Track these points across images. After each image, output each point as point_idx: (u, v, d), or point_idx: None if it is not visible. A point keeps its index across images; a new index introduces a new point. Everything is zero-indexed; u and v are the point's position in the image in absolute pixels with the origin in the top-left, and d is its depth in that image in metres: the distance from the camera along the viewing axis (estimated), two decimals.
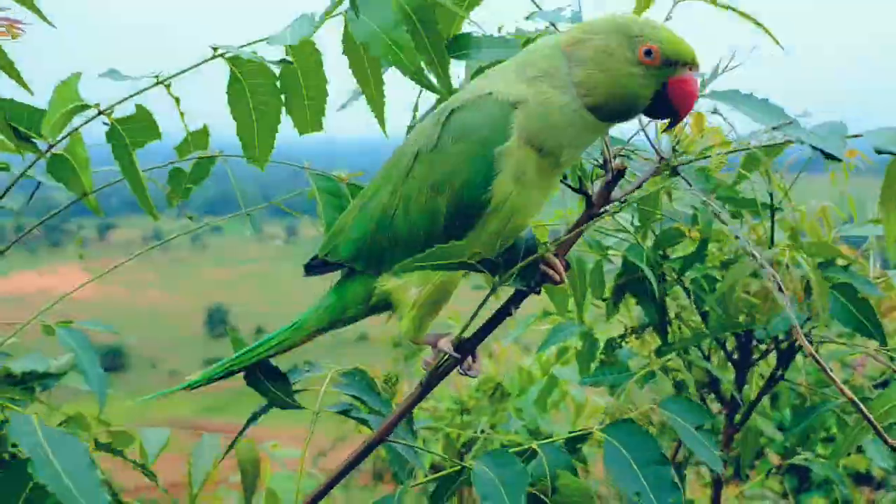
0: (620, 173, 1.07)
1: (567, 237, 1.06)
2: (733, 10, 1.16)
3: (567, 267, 1.05)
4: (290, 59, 0.96)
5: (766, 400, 1.77)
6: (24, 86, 0.88)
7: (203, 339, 29.25)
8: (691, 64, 0.96)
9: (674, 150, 1.13)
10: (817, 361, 1.07)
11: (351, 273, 1.11)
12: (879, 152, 1.07)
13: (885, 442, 1.04)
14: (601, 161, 1.09)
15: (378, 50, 0.98)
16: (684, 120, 1.03)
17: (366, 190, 1.09)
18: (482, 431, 2.24)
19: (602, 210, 1.07)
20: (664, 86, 0.95)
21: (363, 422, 1.14)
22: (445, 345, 1.03)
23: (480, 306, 0.99)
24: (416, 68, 1.01)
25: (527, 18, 1.18)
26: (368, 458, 1.16)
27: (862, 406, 1.03)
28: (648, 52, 0.93)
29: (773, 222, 1.46)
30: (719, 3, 1.15)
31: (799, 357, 1.57)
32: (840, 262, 1.44)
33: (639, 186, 1.10)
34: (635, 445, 0.99)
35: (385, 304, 1.09)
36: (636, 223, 1.51)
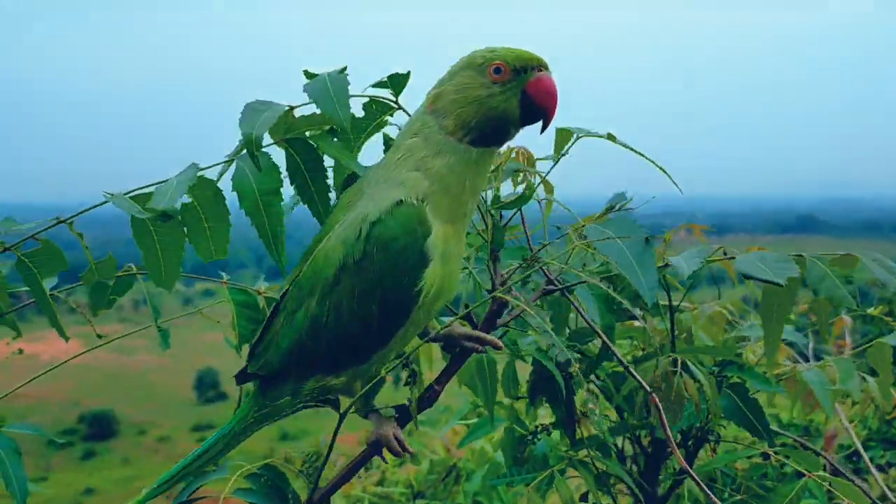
0: (503, 305, 1.16)
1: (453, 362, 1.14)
2: (632, 150, 1.25)
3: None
4: (168, 214, 1.02)
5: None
6: None
7: (193, 403, 28.94)
8: (540, 66, 1.07)
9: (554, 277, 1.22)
10: (688, 471, 1.14)
11: (278, 377, 1.17)
12: (747, 278, 1.17)
13: None
14: (490, 287, 1.18)
15: (249, 206, 1.07)
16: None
17: (287, 302, 1.14)
18: None
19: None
20: (524, 93, 1.06)
21: None
22: (389, 440, 1.11)
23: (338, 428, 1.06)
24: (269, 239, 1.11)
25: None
26: None
27: None
28: (497, 70, 1.05)
29: (672, 324, 1.53)
30: (618, 142, 1.25)
31: (703, 453, 1.63)
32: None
33: (518, 316, 1.19)
34: None
35: (316, 396, 1.17)
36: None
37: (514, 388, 1.60)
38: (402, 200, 1.04)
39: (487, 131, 1.06)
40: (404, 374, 1.14)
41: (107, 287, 1.37)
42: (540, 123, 1.10)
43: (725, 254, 1.37)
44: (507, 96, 1.05)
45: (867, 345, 1.64)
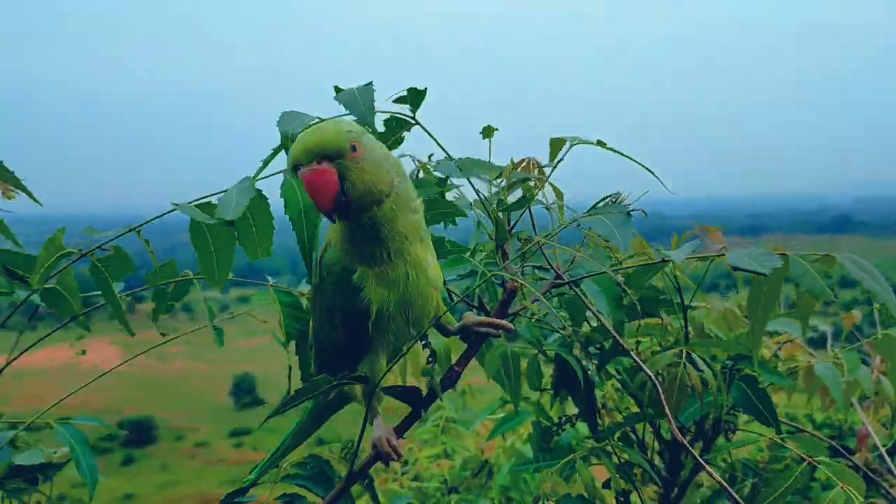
0: (513, 292, 1.27)
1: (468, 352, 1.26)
2: (621, 153, 1.36)
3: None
4: (231, 220, 1.15)
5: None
6: (15, 241, 1.08)
7: (230, 409, 29.34)
8: (299, 164, 1.10)
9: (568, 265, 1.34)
10: (694, 456, 1.24)
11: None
12: (735, 269, 1.28)
13: None
14: (501, 280, 1.30)
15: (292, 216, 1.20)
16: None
17: None
18: None
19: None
20: None
21: None
22: (381, 443, 1.22)
23: (369, 409, 1.18)
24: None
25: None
26: None
27: (735, 496, 1.21)
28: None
29: (685, 320, 1.63)
30: (608, 147, 1.37)
31: (721, 440, 1.73)
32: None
33: (533, 301, 1.31)
34: None
35: (343, 399, 1.36)
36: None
37: (538, 380, 1.71)
38: (330, 243, 1.22)
39: (329, 219, 1.14)
40: (425, 355, 1.26)
41: (166, 293, 1.50)
42: None
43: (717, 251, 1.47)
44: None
45: (874, 337, 1.73)
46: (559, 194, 1.49)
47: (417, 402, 1.23)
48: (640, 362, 1.27)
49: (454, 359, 1.29)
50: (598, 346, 1.73)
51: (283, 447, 1.38)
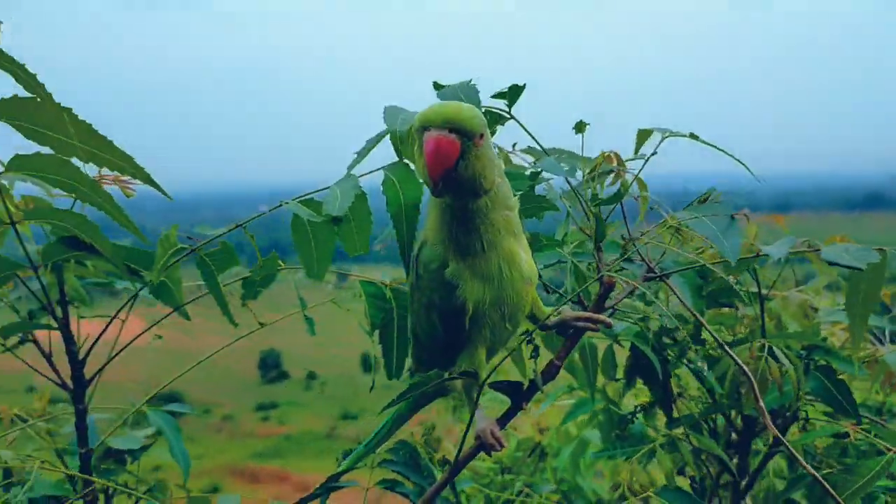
0: (611, 287, 1.30)
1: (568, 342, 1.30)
2: (712, 146, 1.38)
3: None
4: (339, 217, 1.19)
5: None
6: (136, 232, 1.12)
7: (256, 383, 29.69)
8: (428, 125, 1.09)
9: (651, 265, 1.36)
10: (787, 448, 1.27)
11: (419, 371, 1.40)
12: (832, 265, 1.29)
13: None
14: (597, 275, 1.33)
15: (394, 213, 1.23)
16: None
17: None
18: (519, 494, 2.43)
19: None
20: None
21: (406, 496, 1.36)
22: (485, 434, 1.24)
23: (476, 403, 1.21)
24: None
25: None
26: None
27: (828, 487, 1.23)
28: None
29: (762, 311, 1.65)
30: (702, 140, 1.38)
31: (794, 428, 1.75)
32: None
33: (628, 295, 1.33)
34: None
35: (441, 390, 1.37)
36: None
37: (612, 370, 1.74)
38: (426, 240, 1.23)
39: (430, 186, 1.14)
40: (529, 349, 1.28)
41: (255, 281, 1.55)
42: None
43: (810, 245, 1.49)
44: (419, 158, 1.13)
45: None
46: (643, 186, 1.50)
47: (519, 396, 1.27)
48: (733, 355, 1.29)
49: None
50: (671, 336, 1.76)
51: (380, 434, 1.42)
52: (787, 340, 1.59)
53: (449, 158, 1.08)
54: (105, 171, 1.04)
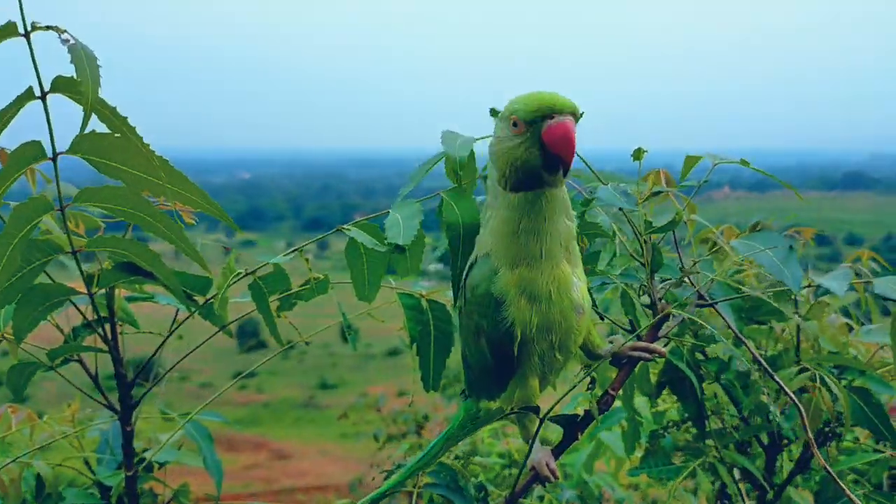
0: (666, 316, 1.29)
1: (623, 368, 1.29)
2: (766, 174, 1.37)
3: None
4: (402, 245, 1.17)
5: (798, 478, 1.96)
6: (204, 265, 1.10)
7: (234, 352, 29.65)
8: (552, 113, 1.12)
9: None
10: (829, 473, 1.28)
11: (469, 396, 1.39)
12: (886, 299, 1.29)
13: None
14: (650, 303, 1.32)
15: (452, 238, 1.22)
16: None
17: None
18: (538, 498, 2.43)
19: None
20: (542, 142, 1.13)
21: None
22: (541, 466, 1.24)
23: (535, 436, 1.21)
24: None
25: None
26: None
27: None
28: (514, 124, 1.14)
29: (798, 333, 1.66)
30: (753, 167, 1.37)
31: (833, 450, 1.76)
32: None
33: (680, 323, 1.33)
34: None
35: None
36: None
37: (647, 385, 1.74)
38: (476, 256, 1.23)
39: (521, 178, 1.15)
40: (586, 382, 1.28)
41: (292, 296, 1.52)
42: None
43: (859, 275, 1.49)
44: (526, 146, 1.13)
45: None
46: (693, 209, 1.49)
47: (574, 427, 1.26)
48: (784, 386, 1.29)
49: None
50: (700, 351, 1.76)
51: (429, 455, 1.40)
52: (827, 373, 1.59)
53: (575, 143, 1.12)
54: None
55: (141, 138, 0.88)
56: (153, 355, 1.32)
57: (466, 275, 1.24)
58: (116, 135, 0.88)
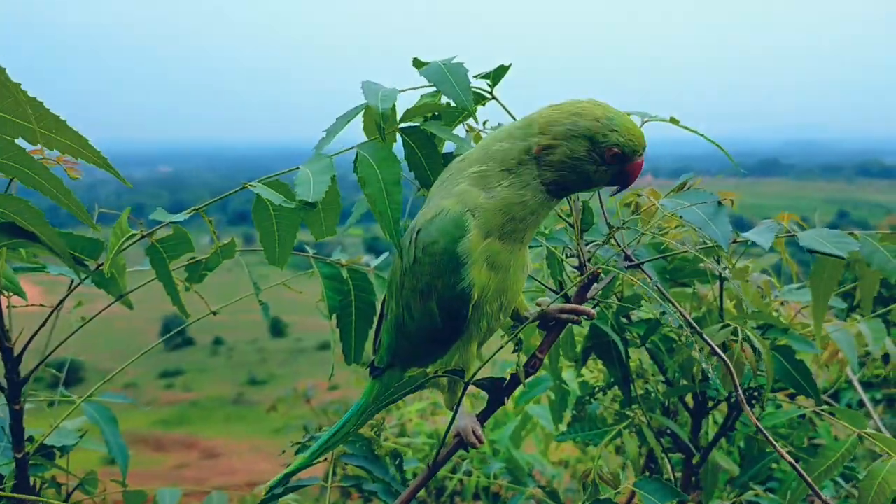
0: (595, 277, 1.25)
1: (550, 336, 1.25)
2: (696, 132, 1.34)
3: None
4: (313, 202, 1.08)
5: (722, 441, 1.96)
6: (88, 221, 1.00)
7: (159, 350, 28.90)
8: (644, 150, 1.14)
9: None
10: (760, 430, 1.26)
11: (389, 367, 1.30)
12: (812, 252, 1.28)
13: (821, 500, 1.22)
14: (577, 265, 1.28)
15: (372, 193, 1.14)
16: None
17: (386, 302, 1.28)
18: (466, 473, 2.40)
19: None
20: (623, 171, 1.14)
21: (373, 494, 1.29)
22: (466, 432, 1.21)
23: (459, 401, 1.17)
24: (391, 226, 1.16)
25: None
26: None
27: (799, 469, 1.23)
28: (614, 156, 1.11)
29: (721, 292, 1.65)
30: (682, 125, 1.34)
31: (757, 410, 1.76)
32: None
33: (608, 284, 1.29)
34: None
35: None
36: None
37: (571, 351, 1.71)
38: (445, 209, 1.12)
39: (575, 191, 1.17)
40: (512, 346, 1.22)
41: (200, 263, 1.43)
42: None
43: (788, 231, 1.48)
44: (609, 173, 1.13)
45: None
46: None
47: (500, 392, 1.21)
48: (710, 341, 1.26)
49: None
50: (625, 316, 1.74)
51: (344, 430, 1.33)
52: (752, 331, 1.59)
53: None
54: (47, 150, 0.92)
55: (5, 71, 0.78)
56: (41, 327, 1.21)
57: (418, 232, 1.14)
58: None
